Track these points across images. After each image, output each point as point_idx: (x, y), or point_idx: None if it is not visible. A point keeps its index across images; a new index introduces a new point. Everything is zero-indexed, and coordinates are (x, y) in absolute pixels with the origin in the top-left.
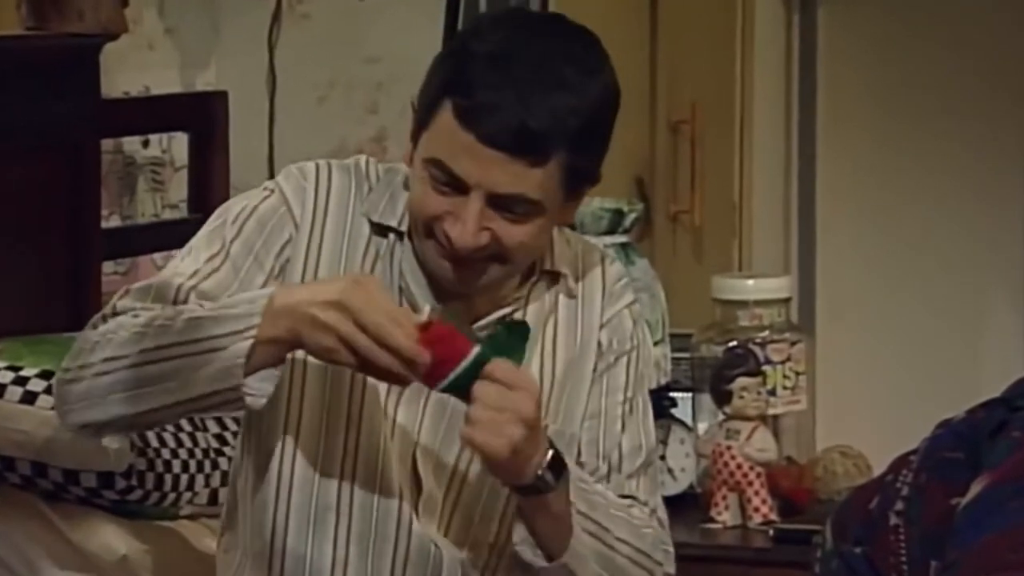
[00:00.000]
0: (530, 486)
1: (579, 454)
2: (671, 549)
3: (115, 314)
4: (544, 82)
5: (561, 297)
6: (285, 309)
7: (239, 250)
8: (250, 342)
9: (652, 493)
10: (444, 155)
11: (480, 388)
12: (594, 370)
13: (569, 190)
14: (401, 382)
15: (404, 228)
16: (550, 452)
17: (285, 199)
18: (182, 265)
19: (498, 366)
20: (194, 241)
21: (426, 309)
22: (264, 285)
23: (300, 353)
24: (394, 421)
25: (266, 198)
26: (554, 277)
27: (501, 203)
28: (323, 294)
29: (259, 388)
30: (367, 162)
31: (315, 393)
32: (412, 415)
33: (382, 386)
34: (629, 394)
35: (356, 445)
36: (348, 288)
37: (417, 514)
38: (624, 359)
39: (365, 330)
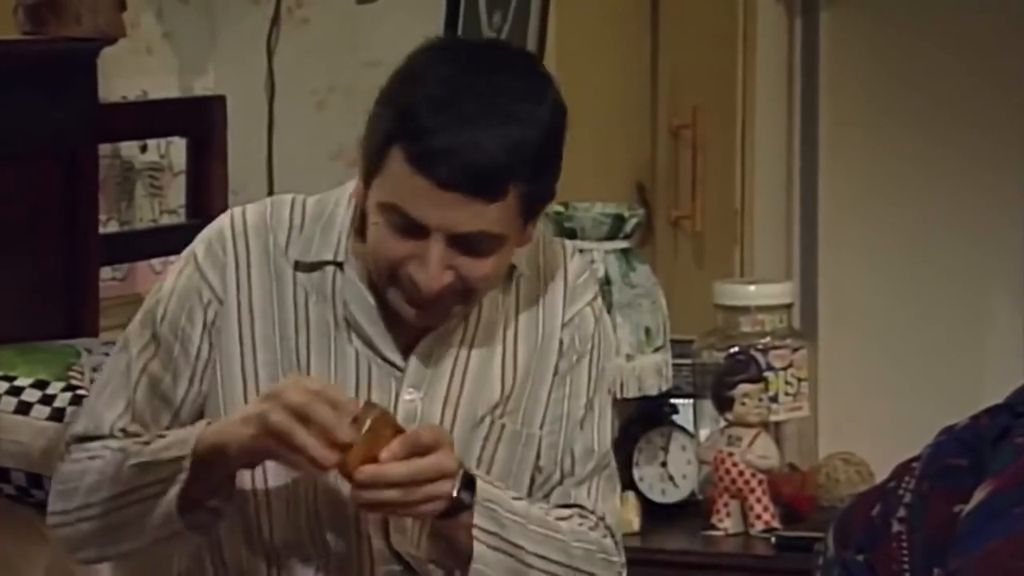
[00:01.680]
0: (449, 510)
1: (538, 456)
2: (615, 559)
3: (77, 440)
4: (493, 118)
5: (520, 292)
6: (214, 433)
7: (167, 332)
8: (178, 487)
9: (605, 498)
10: (400, 200)
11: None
12: (556, 372)
13: (528, 216)
14: (319, 466)
15: (341, 258)
16: (461, 472)
17: (203, 275)
18: (117, 360)
19: (419, 436)
20: (131, 325)
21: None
22: (197, 357)
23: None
24: None
25: (188, 275)
26: (507, 272)
27: (462, 242)
28: (247, 409)
29: (212, 512)
30: (293, 202)
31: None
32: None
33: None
34: (590, 395)
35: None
36: (274, 387)
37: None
38: (586, 359)
39: (289, 408)
